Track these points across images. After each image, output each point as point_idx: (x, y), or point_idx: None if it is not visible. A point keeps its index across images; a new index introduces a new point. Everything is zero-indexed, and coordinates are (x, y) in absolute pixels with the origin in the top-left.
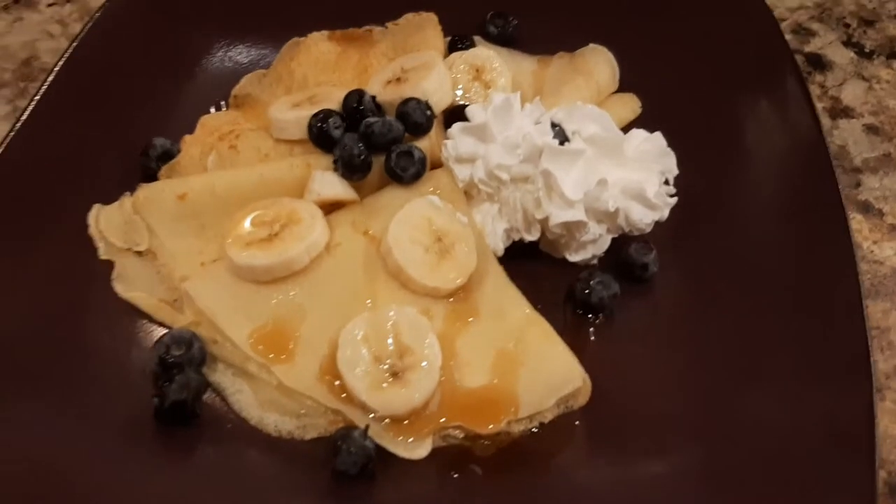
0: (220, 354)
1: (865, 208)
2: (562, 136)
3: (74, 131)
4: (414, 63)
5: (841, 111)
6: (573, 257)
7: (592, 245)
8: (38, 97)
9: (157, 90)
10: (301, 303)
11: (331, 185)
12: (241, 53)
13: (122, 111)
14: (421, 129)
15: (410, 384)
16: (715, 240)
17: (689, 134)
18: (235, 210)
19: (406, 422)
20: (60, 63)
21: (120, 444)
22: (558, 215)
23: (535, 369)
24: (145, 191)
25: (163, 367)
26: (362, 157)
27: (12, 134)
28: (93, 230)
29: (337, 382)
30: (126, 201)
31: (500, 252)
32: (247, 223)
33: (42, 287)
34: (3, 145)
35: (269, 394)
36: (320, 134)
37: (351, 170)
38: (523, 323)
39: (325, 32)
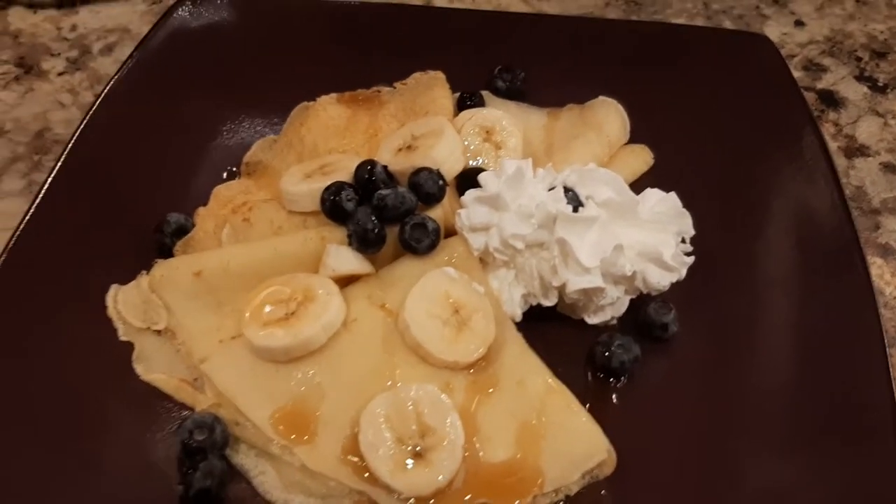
0: (243, 436)
1: (885, 252)
2: (575, 202)
3: (89, 209)
4: (423, 129)
5: (856, 150)
6: (592, 320)
7: (611, 307)
8: (51, 176)
9: (168, 161)
10: (320, 382)
11: (346, 260)
12: (251, 119)
13: (135, 185)
14: (433, 199)
15: (434, 464)
16: (733, 296)
17: (701, 186)
18: (251, 286)
19: (431, 501)
20: (72, 141)
21: None
22: (575, 282)
23: (558, 442)
24: (161, 269)
25: (186, 452)
26: (376, 230)
27: (28, 215)
28: (111, 311)
29: (361, 463)
30: (143, 280)
31: (518, 318)
32: (263, 301)
33: (63, 368)
34: (20, 227)
35: (293, 475)
36: (333, 207)
37: (366, 244)
38: (544, 392)
39: (333, 95)
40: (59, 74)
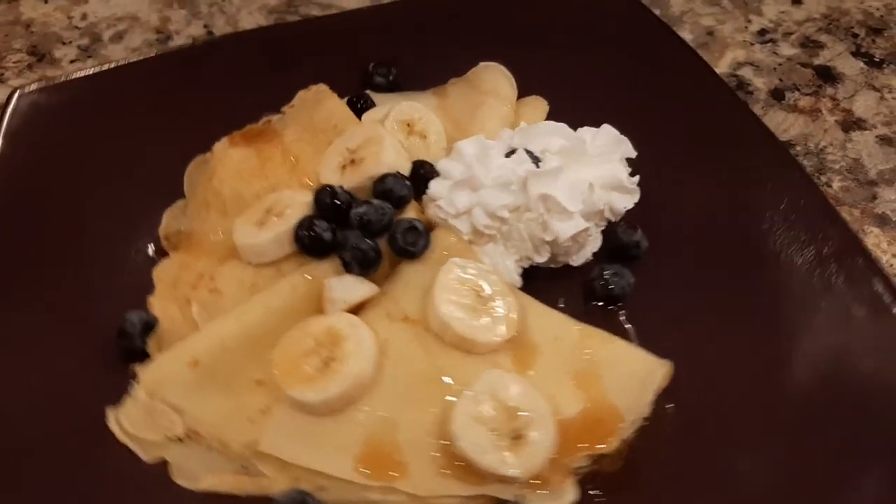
0: (336, 498)
1: (883, 221)
2: (533, 158)
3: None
4: (357, 140)
5: (853, 123)
6: (577, 261)
7: (590, 244)
8: None
9: (85, 261)
10: (383, 413)
11: (353, 288)
12: (146, 192)
13: (66, 296)
14: (405, 202)
15: (535, 439)
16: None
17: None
18: (254, 354)
19: (545, 471)
20: None
21: None
22: (565, 230)
23: (616, 375)
24: (150, 373)
25: None
26: (374, 249)
27: None
28: (122, 437)
29: (464, 468)
30: (137, 392)
31: (519, 283)
32: (292, 359)
33: None
34: None
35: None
36: (313, 242)
37: (367, 265)
38: (580, 338)
39: (226, 139)
40: (72, 62)
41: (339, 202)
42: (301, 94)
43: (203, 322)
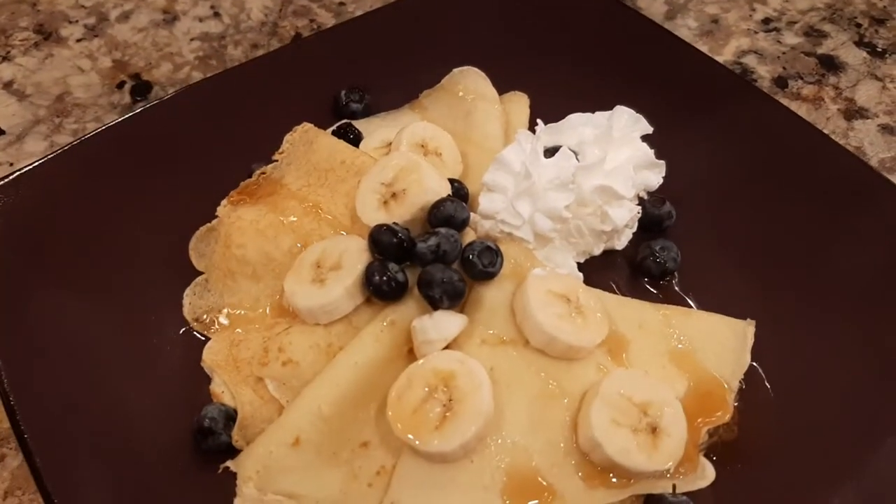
0: None
1: None
2: (575, 151)
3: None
4: (392, 172)
5: (856, 112)
6: (621, 244)
7: (629, 227)
8: None
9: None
10: (515, 442)
11: (447, 324)
12: (148, 272)
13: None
14: (465, 224)
15: (670, 428)
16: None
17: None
18: (353, 416)
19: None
20: None
21: None
22: (622, 216)
23: (709, 347)
24: (252, 464)
25: None
26: (462, 280)
27: None
28: None
29: (614, 474)
30: (244, 488)
31: (581, 279)
32: (410, 411)
33: None
34: None
35: None
36: (391, 286)
37: (458, 296)
38: (661, 319)
39: (225, 203)
40: (78, 41)
41: (401, 238)
42: (287, 137)
43: (284, 397)
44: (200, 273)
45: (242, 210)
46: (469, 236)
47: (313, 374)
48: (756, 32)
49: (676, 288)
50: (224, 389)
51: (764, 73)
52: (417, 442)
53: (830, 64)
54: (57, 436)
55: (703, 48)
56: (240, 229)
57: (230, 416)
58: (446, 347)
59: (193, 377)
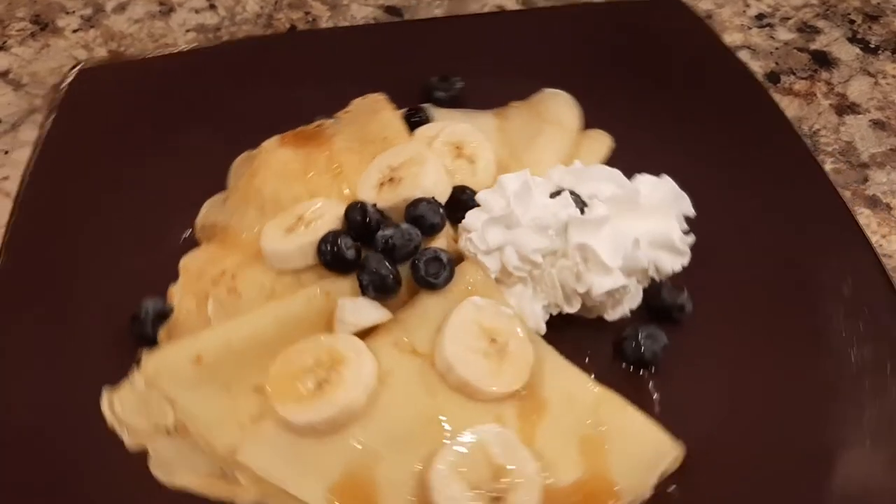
0: None
1: (873, 203)
2: (580, 203)
3: (44, 312)
4: (401, 159)
5: (847, 107)
6: (611, 316)
7: (629, 300)
8: None
9: (114, 243)
10: (370, 445)
11: (366, 312)
12: (190, 179)
13: (87, 274)
14: (436, 230)
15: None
16: (735, 271)
17: (663, 162)
18: (258, 360)
19: None
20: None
21: None
22: (601, 284)
23: (624, 449)
24: (153, 361)
25: None
26: (393, 275)
27: None
28: (111, 419)
29: None
30: (136, 378)
31: (543, 331)
32: (289, 374)
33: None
34: None
35: None
36: (335, 258)
37: (384, 291)
38: (595, 402)
39: (276, 138)
40: (74, 31)
41: (368, 220)
42: (357, 101)
43: (217, 320)
44: None
45: (282, 150)
46: (438, 243)
47: (247, 310)
48: (749, 28)
49: (650, 383)
50: (178, 292)
51: (756, 69)
52: (276, 402)
53: (823, 60)
54: None
55: None
56: (269, 165)
57: (163, 314)
58: (363, 335)
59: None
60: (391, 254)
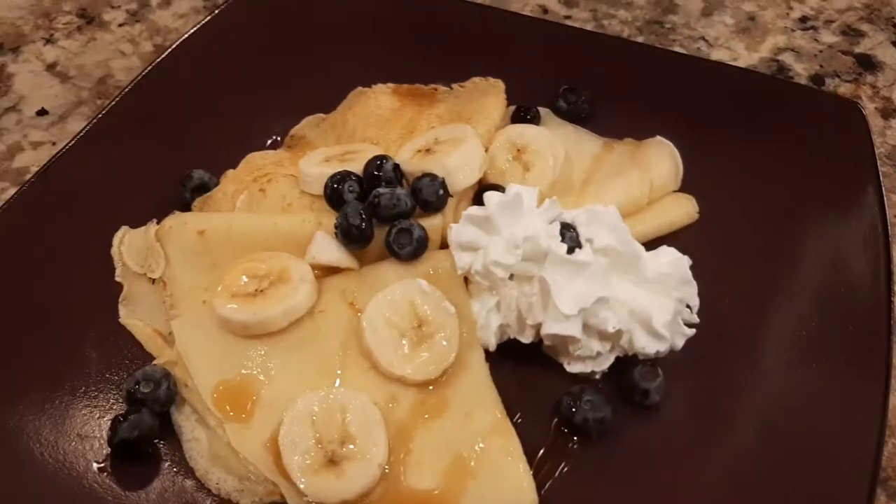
0: (189, 398)
1: None
2: (573, 242)
3: (128, 151)
4: (448, 135)
5: (893, 111)
6: (571, 368)
7: (592, 361)
8: (101, 115)
9: (217, 121)
10: (270, 365)
11: (328, 251)
12: (307, 94)
13: (180, 138)
14: (431, 207)
15: (346, 476)
16: (737, 373)
17: (741, 249)
18: (245, 254)
19: None
20: (129, 87)
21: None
22: (550, 325)
23: (485, 485)
24: (171, 220)
25: (129, 400)
26: (362, 227)
27: (66, 147)
28: (114, 250)
29: (280, 455)
30: (151, 228)
31: (492, 347)
32: (240, 273)
33: (57, 293)
34: (56, 156)
35: (222, 449)
36: (333, 195)
37: (349, 239)
38: (489, 430)
39: (390, 85)
40: (120, 25)
41: (379, 174)
42: (475, 79)
43: (239, 210)
44: None
45: (386, 97)
46: (435, 221)
47: (262, 211)
48: (793, 30)
49: (572, 445)
50: (228, 176)
51: (800, 71)
52: (217, 291)
53: (868, 63)
54: None
55: (739, 45)
56: (366, 103)
57: (204, 186)
58: (328, 274)
59: None
60: (374, 210)
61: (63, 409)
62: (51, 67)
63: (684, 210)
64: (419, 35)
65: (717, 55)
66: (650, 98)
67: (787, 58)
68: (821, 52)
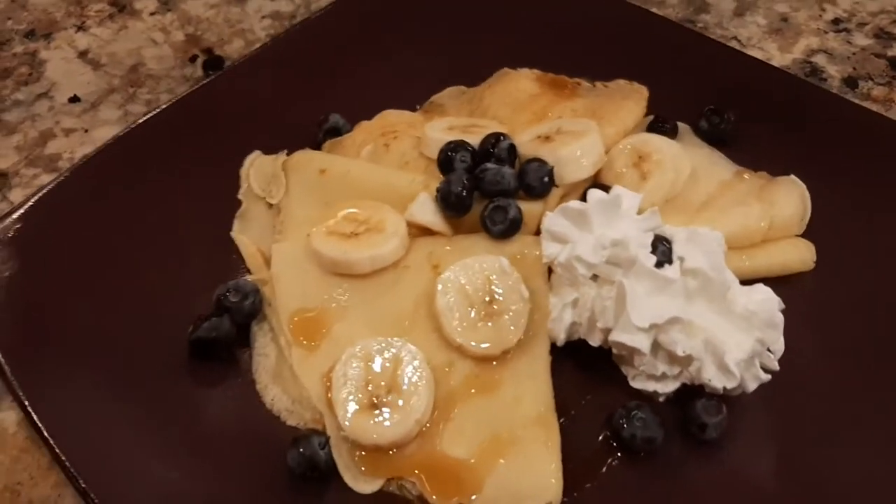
0: (270, 317)
1: None
2: (665, 257)
3: (279, 87)
4: (571, 127)
5: None
6: (634, 383)
7: (655, 381)
8: (265, 45)
9: (370, 80)
10: (347, 304)
11: (426, 211)
12: (457, 67)
13: (327, 84)
14: (534, 192)
15: (383, 422)
16: (806, 435)
17: (847, 312)
18: (355, 199)
19: (364, 453)
20: (297, 25)
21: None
22: (618, 333)
23: (514, 469)
24: (299, 155)
25: (216, 305)
26: (462, 195)
27: (228, 69)
28: (244, 170)
29: (331, 388)
30: (280, 157)
31: (560, 342)
32: (344, 215)
33: (187, 198)
34: (216, 76)
35: (285, 370)
36: (445, 161)
37: (447, 204)
38: (533, 420)
39: (535, 71)
40: (151, 14)
41: (494, 150)
42: (621, 81)
43: (361, 158)
44: None
45: (528, 81)
46: (536, 207)
47: (385, 163)
48: (826, 32)
49: (613, 461)
50: (362, 126)
51: (834, 73)
52: (316, 226)
53: None
54: None
55: (772, 46)
56: (506, 84)
57: (337, 130)
58: (423, 234)
59: None
60: (478, 183)
61: (161, 298)
62: (83, 55)
63: (800, 256)
64: (575, 29)
65: (750, 55)
66: (797, 133)
67: (819, 59)
68: (854, 54)
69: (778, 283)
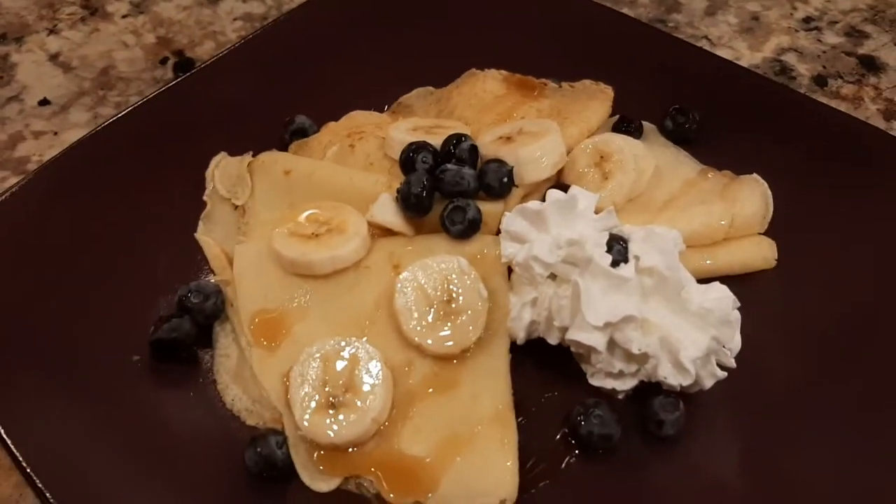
0: (232, 317)
1: None
2: (621, 256)
3: (243, 89)
4: (532, 128)
5: (895, 112)
6: (593, 381)
7: (613, 379)
8: (230, 49)
9: (333, 76)
10: (308, 305)
11: (387, 212)
12: (424, 68)
13: (293, 85)
14: (494, 192)
15: (340, 421)
16: (763, 432)
17: (807, 309)
18: (319, 200)
19: (322, 452)
20: (258, 31)
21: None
22: (574, 332)
23: (470, 467)
24: (265, 156)
25: (178, 306)
26: (422, 195)
27: (193, 71)
28: (209, 172)
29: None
30: (246, 158)
31: (520, 341)
32: (305, 216)
33: (152, 199)
34: (181, 78)
35: (245, 371)
36: (407, 162)
37: (407, 205)
38: (490, 418)
39: (501, 72)
40: (123, 17)
41: (454, 151)
42: (587, 81)
43: (326, 159)
44: None
45: (495, 82)
46: (496, 207)
47: (350, 164)
48: (797, 31)
49: (570, 458)
50: (327, 128)
51: (803, 71)
52: (278, 226)
53: (871, 64)
54: None
55: (742, 45)
56: (474, 85)
57: (303, 131)
58: (385, 235)
59: None
60: (438, 183)
61: (126, 299)
62: (54, 58)
63: (761, 254)
64: (543, 29)
65: (720, 55)
66: (762, 132)
67: (789, 58)
68: (824, 52)
69: (740, 281)
